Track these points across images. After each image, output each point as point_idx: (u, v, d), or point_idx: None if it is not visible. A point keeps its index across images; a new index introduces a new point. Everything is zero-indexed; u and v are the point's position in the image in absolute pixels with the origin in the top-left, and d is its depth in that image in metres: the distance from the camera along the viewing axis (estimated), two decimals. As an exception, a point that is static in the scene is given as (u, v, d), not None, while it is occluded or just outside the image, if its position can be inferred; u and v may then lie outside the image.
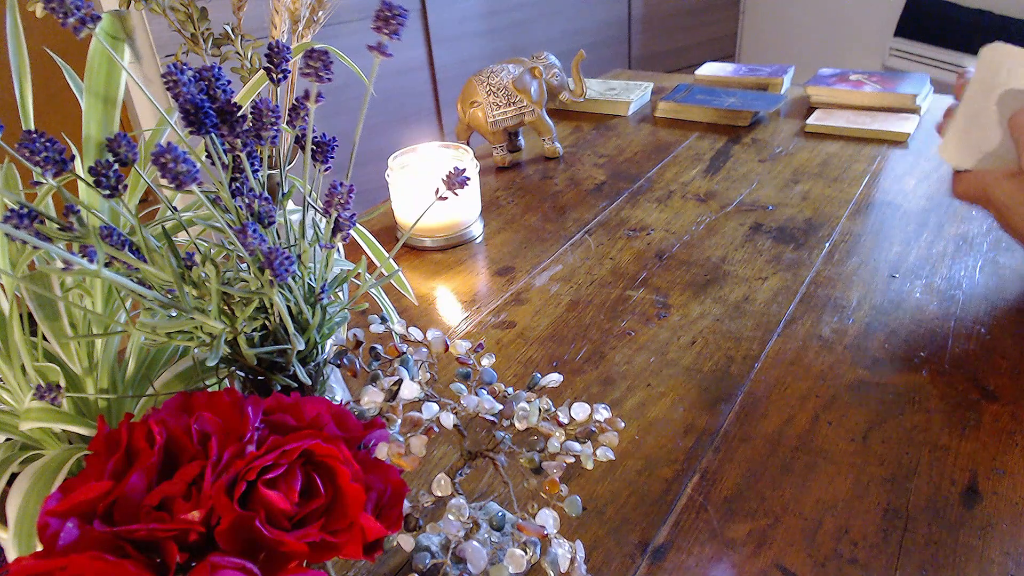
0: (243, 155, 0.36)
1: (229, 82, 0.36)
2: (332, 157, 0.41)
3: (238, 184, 0.37)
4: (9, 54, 0.43)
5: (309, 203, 0.40)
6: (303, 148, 0.40)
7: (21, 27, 0.43)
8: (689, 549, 0.49)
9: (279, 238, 0.39)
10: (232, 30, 0.61)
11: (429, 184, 0.85)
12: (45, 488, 0.39)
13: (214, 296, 0.36)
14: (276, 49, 0.38)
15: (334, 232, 0.39)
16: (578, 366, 0.66)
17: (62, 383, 0.41)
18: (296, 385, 0.41)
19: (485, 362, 0.47)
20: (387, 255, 0.67)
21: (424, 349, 0.47)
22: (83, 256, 0.34)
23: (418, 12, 2.12)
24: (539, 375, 0.47)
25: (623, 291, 0.77)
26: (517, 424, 0.42)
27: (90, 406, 0.45)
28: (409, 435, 0.39)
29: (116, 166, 0.34)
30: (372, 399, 0.41)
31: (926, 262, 0.77)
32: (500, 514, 0.42)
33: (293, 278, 0.38)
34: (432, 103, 2.26)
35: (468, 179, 0.42)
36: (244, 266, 0.38)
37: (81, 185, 0.41)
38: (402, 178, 0.87)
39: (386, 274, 0.63)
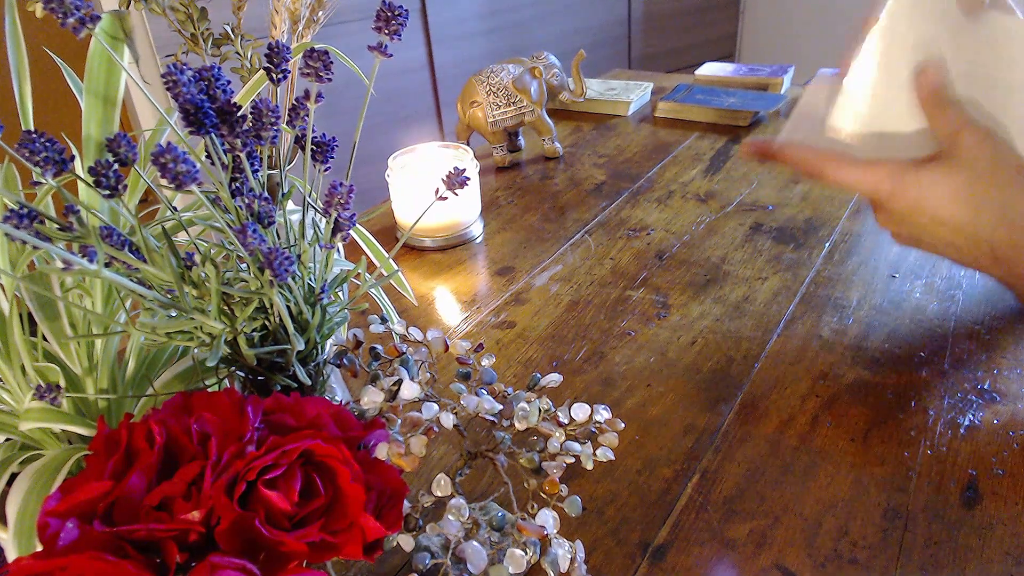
0: (243, 155, 0.36)
1: (229, 82, 0.36)
2: (332, 157, 0.41)
3: (238, 184, 0.37)
4: (9, 54, 0.43)
5: (309, 203, 0.40)
6: (303, 148, 0.40)
7: (20, 27, 0.43)
8: (689, 549, 0.49)
9: (279, 238, 0.39)
10: (232, 30, 0.61)
11: (429, 184, 0.85)
12: (45, 488, 0.39)
13: (214, 296, 0.36)
14: (276, 49, 0.38)
15: (334, 232, 0.39)
16: (578, 366, 0.66)
17: (62, 383, 0.41)
18: (296, 385, 0.41)
19: (485, 362, 0.47)
20: (387, 255, 0.67)
21: (424, 349, 0.46)
22: (83, 256, 0.34)
23: (418, 12, 2.12)
24: (539, 375, 0.47)
25: (623, 291, 0.77)
26: (517, 424, 0.42)
27: (90, 406, 0.45)
28: (409, 435, 0.39)
29: (116, 166, 0.34)
30: (372, 399, 0.41)
31: (926, 262, 0.77)
32: (500, 514, 0.42)
33: (293, 278, 0.38)
34: (432, 103, 2.26)
35: (468, 179, 0.42)
36: (244, 266, 0.38)
37: (81, 185, 0.41)
38: (402, 178, 0.87)
39: (386, 274, 0.63)
